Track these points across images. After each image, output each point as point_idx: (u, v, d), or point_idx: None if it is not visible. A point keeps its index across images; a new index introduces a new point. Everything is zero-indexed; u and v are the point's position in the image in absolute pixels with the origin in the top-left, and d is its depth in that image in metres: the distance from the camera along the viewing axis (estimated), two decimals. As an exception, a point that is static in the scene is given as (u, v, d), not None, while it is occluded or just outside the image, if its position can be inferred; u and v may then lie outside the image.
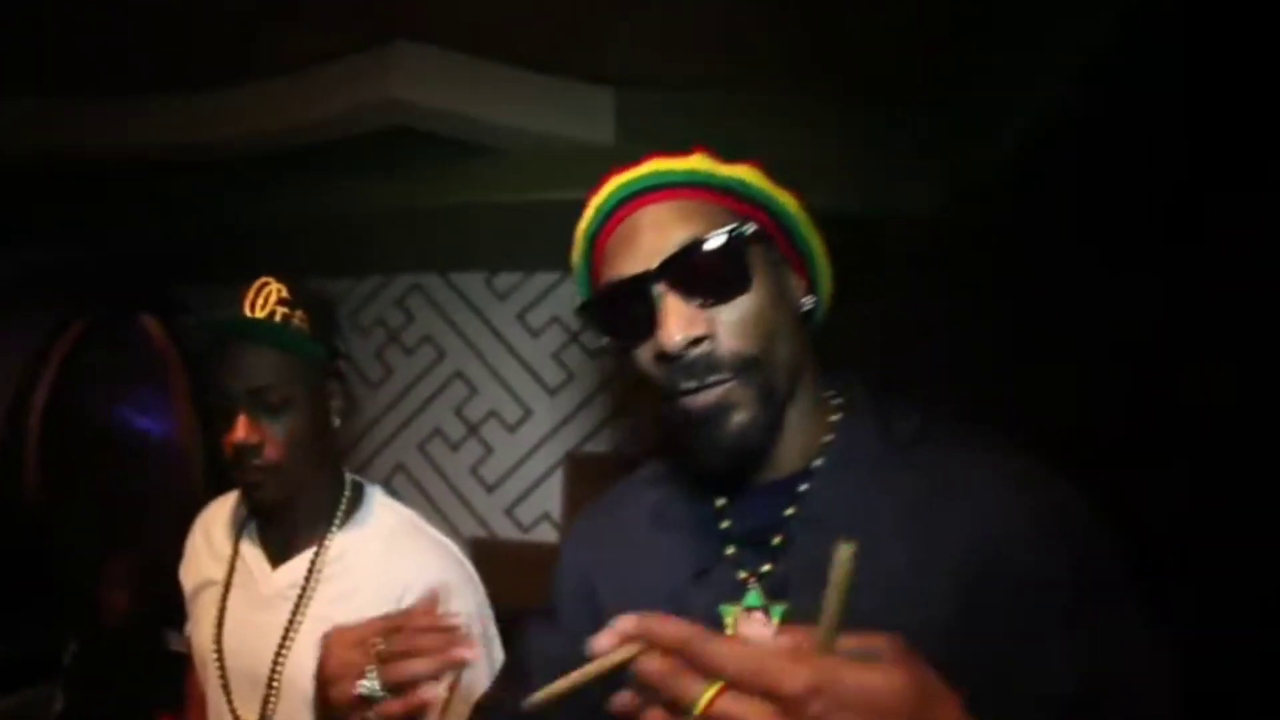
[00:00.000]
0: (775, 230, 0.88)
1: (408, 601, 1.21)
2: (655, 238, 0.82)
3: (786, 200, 0.88)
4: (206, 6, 1.85)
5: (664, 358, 0.80)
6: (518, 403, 2.93)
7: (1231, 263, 1.68)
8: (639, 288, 0.81)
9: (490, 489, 2.91)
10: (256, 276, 1.28)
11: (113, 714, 2.29)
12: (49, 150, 2.28)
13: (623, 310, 0.83)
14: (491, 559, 1.33)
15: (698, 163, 0.85)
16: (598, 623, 0.86)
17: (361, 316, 3.04)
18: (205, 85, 2.18)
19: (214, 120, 2.20)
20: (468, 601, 1.26)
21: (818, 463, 0.86)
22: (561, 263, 2.87)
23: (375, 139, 2.18)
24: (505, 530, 2.88)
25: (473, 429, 2.95)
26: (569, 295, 2.92)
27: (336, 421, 1.32)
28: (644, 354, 0.83)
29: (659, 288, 0.80)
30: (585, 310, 0.90)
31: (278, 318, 1.23)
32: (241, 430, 1.18)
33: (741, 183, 0.86)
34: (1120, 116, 1.70)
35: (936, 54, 1.97)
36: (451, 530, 2.13)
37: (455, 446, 2.96)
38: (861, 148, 2.26)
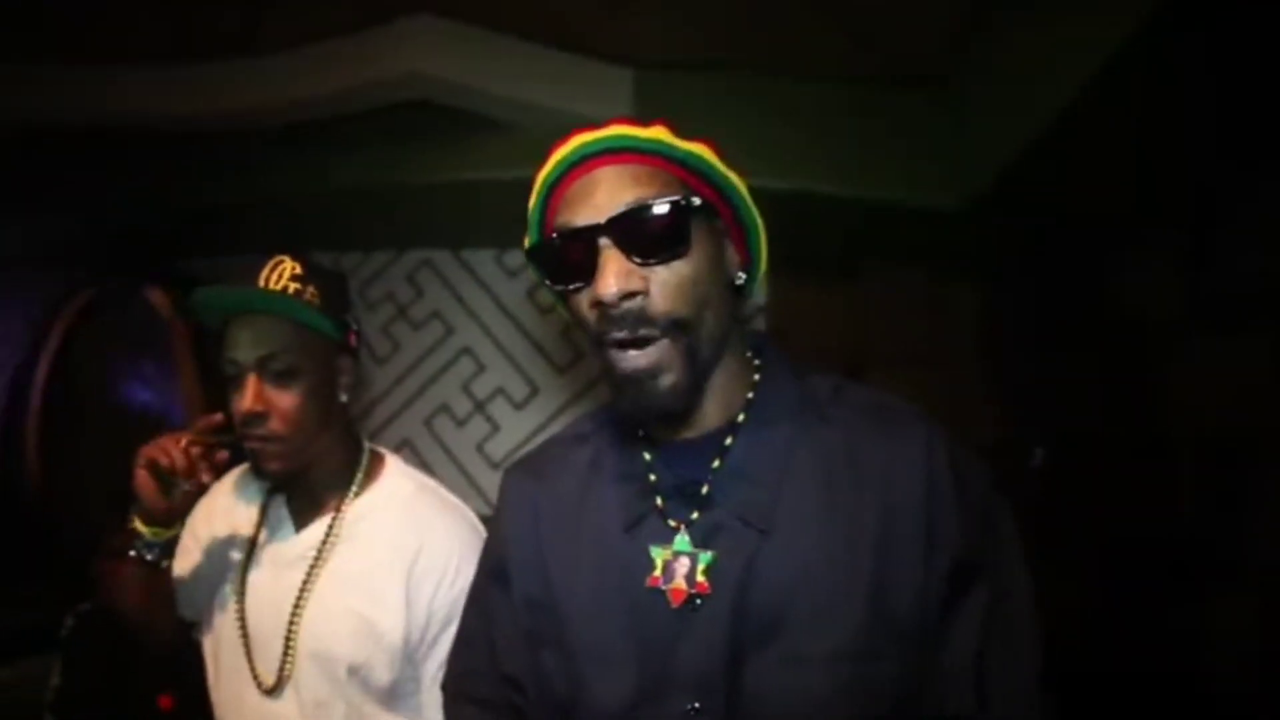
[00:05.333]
0: (721, 205, 0.96)
1: (421, 563, 1.29)
2: (609, 195, 0.89)
3: (734, 179, 0.96)
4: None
5: (599, 306, 0.88)
6: (525, 380, 2.92)
7: (1244, 255, 1.66)
8: (587, 238, 0.88)
9: (496, 466, 2.90)
10: (267, 250, 1.34)
11: (110, 690, 2.28)
12: (58, 118, 2.24)
13: (569, 257, 0.90)
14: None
15: (658, 133, 0.91)
16: (544, 573, 0.98)
17: (371, 291, 3.02)
18: (220, 55, 2.15)
19: (227, 91, 2.17)
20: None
21: (740, 419, 0.95)
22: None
23: (389, 113, 2.16)
24: (510, 508, 2.86)
25: (480, 406, 2.94)
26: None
27: (344, 396, 1.37)
28: (581, 300, 0.91)
29: (604, 241, 0.87)
30: (533, 252, 0.97)
31: (290, 292, 1.29)
32: (249, 399, 1.24)
33: (696, 157, 0.93)
34: (1139, 108, 1.70)
35: (955, 42, 1.97)
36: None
37: (462, 423, 2.95)
38: (877, 134, 2.24)
